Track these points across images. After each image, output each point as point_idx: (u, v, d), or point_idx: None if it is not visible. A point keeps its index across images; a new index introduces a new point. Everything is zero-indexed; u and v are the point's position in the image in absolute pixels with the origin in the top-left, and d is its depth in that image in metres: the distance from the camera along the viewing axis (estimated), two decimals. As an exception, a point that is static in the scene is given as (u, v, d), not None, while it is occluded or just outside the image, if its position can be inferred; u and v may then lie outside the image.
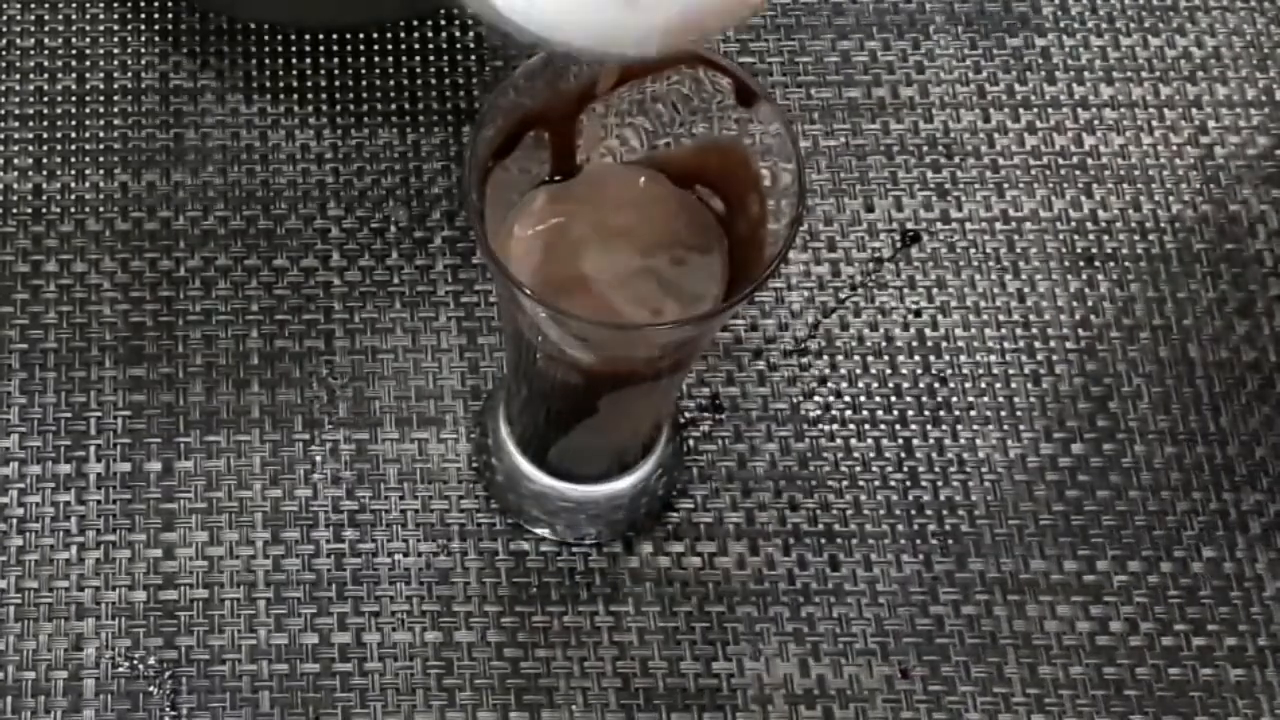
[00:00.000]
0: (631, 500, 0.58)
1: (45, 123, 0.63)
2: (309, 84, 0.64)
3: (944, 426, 0.60)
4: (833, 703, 0.56)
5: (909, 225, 0.63)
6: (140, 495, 0.58)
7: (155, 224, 0.62)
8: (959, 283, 0.62)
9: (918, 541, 0.58)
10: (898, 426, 0.60)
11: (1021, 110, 0.65)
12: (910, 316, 0.61)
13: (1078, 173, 0.64)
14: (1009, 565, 0.58)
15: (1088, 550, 0.58)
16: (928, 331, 0.61)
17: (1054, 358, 0.61)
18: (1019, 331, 0.61)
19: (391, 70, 0.64)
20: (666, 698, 0.56)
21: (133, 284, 0.61)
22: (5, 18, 0.65)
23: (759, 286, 0.48)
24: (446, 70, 0.64)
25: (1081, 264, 0.62)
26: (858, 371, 0.60)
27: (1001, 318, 0.62)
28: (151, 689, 0.55)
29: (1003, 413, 0.60)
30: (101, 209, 0.62)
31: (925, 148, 0.64)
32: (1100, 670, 0.56)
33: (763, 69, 0.65)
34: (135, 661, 0.56)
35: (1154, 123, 0.65)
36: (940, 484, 0.59)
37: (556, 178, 0.50)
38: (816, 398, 0.60)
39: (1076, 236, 0.63)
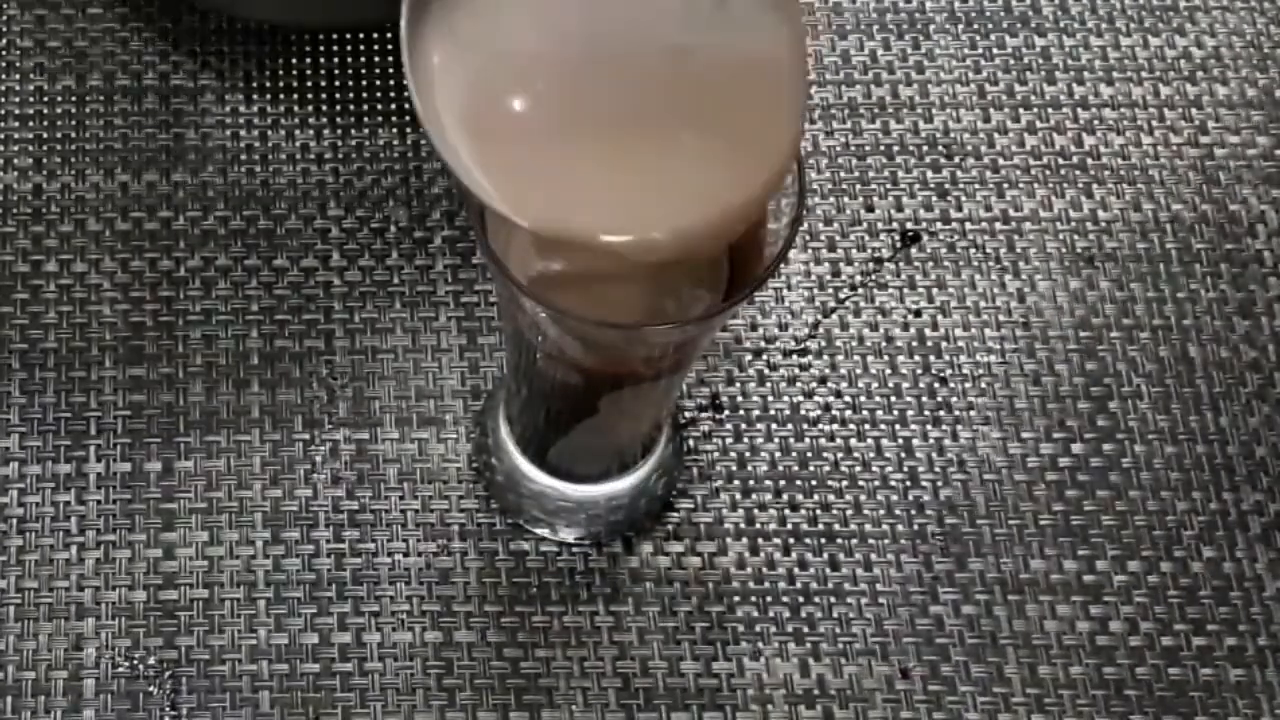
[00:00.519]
0: (631, 500, 0.58)
1: (45, 123, 0.63)
2: (309, 84, 0.64)
3: (944, 426, 0.60)
4: (833, 703, 0.56)
5: (909, 225, 0.63)
6: (140, 495, 0.58)
7: (155, 224, 0.62)
8: (959, 283, 0.62)
9: (918, 541, 0.58)
10: (898, 426, 0.60)
11: (1021, 110, 0.65)
12: (910, 316, 0.61)
13: (1078, 173, 0.64)
14: (1009, 565, 0.58)
15: (1088, 550, 0.58)
16: (928, 331, 0.61)
17: (1054, 358, 0.61)
18: (1019, 331, 0.61)
19: (391, 70, 0.64)
20: (666, 698, 0.56)
21: (133, 284, 0.61)
22: (5, 18, 0.65)
23: (759, 286, 0.47)
24: (446, 70, 0.64)
25: (1081, 264, 0.62)
26: (858, 371, 0.60)
27: (1001, 318, 0.62)
28: (151, 689, 0.55)
29: (1003, 413, 0.60)
30: (101, 209, 0.62)
31: (925, 148, 0.64)
32: (1100, 670, 0.56)
33: (763, 69, 0.65)
34: (135, 661, 0.56)
35: (1154, 123, 0.65)
36: (940, 484, 0.59)
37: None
38: (816, 398, 0.60)
39: (1076, 236, 0.63)
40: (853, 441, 0.59)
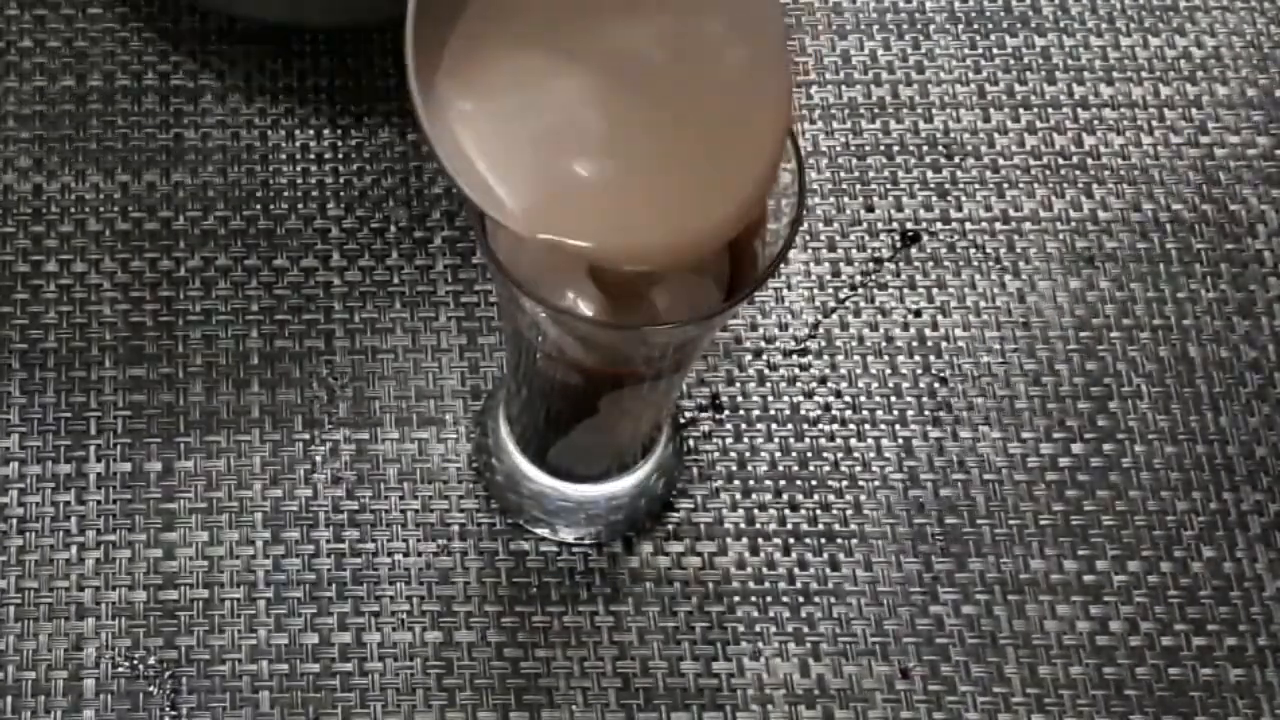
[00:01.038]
0: (631, 500, 0.58)
1: (45, 123, 0.63)
2: (309, 84, 0.64)
3: (944, 426, 0.60)
4: (833, 703, 0.56)
5: (909, 225, 0.63)
6: (140, 495, 0.58)
7: (155, 224, 0.62)
8: (959, 283, 0.62)
9: (918, 541, 0.58)
10: (898, 427, 0.60)
11: (1021, 110, 0.65)
12: (910, 316, 0.61)
13: (1078, 173, 0.64)
14: (1009, 565, 0.58)
15: (1088, 550, 0.58)
16: (928, 331, 0.61)
17: (1054, 358, 0.61)
18: (1019, 331, 0.61)
19: (391, 70, 0.64)
20: (667, 697, 0.56)
21: (133, 284, 0.61)
22: (5, 18, 0.65)
23: (759, 286, 0.48)
24: (446, 70, 0.64)
25: (1081, 264, 0.62)
26: (858, 371, 0.60)
27: (1001, 318, 0.62)
28: (152, 689, 0.55)
29: (1003, 413, 0.60)
30: (101, 209, 0.62)
31: (925, 148, 0.64)
32: (1100, 670, 0.56)
33: (763, 69, 0.65)
34: (135, 661, 0.56)
35: (1154, 123, 0.65)
36: (940, 484, 0.59)
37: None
38: (816, 398, 0.60)
39: (1076, 236, 0.63)
40: (853, 441, 0.59)
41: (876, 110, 0.65)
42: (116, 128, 0.63)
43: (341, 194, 0.62)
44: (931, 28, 0.66)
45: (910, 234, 0.63)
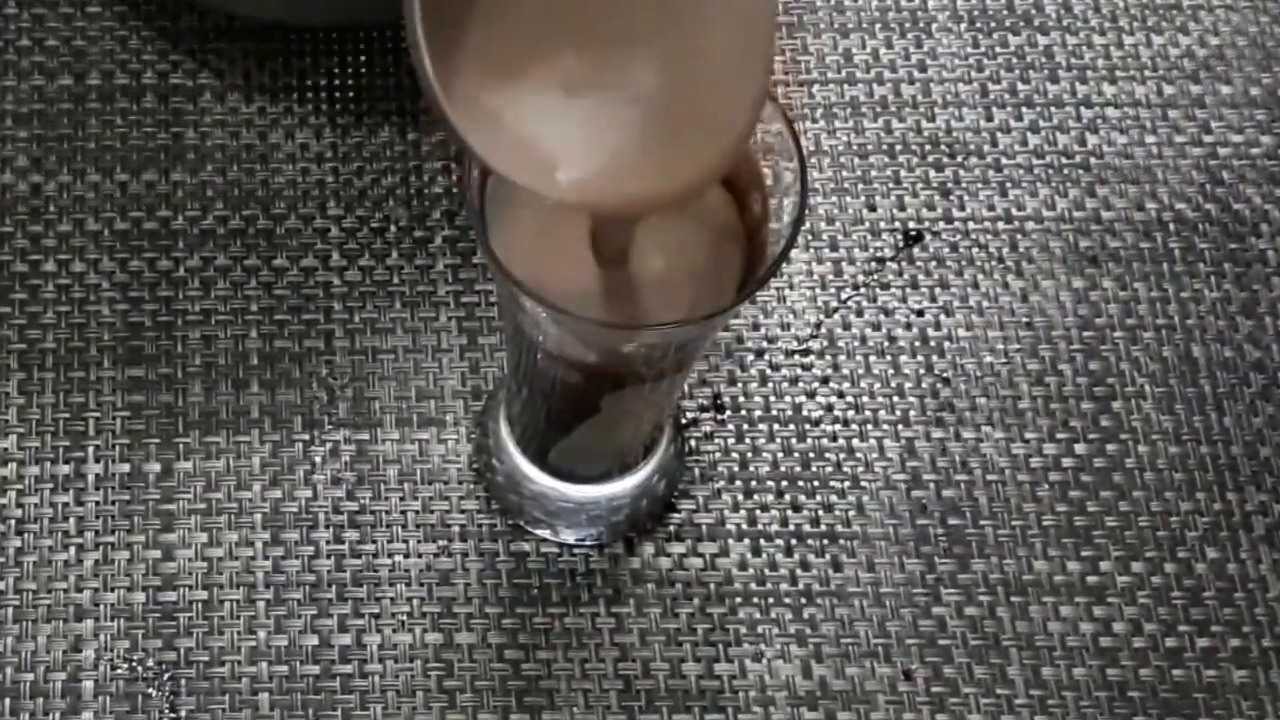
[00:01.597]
0: (633, 501, 0.58)
1: (43, 122, 0.63)
2: (309, 84, 0.64)
3: (947, 427, 0.60)
4: (835, 704, 0.56)
5: (911, 225, 0.63)
6: (139, 496, 0.58)
7: (154, 224, 0.62)
8: (962, 282, 0.62)
9: (920, 543, 0.58)
10: (900, 427, 0.60)
11: (1024, 109, 0.65)
12: (913, 316, 0.61)
13: (1081, 172, 0.64)
14: (1012, 566, 0.58)
15: (1091, 551, 0.58)
16: (930, 331, 0.61)
17: (1057, 358, 0.61)
18: (1022, 331, 0.61)
19: (391, 70, 0.64)
20: (668, 699, 0.56)
21: (132, 284, 0.61)
22: (3, 17, 0.65)
23: (760, 285, 0.47)
24: (447, 69, 0.64)
25: (1085, 263, 0.62)
26: (860, 372, 0.60)
27: (1004, 318, 0.61)
28: (151, 691, 0.55)
29: (1006, 413, 0.60)
30: (100, 209, 0.62)
31: (928, 146, 0.64)
32: (1104, 671, 0.56)
33: (764, 68, 0.65)
34: (134, 663, 0.56)
35: (1157, 122, 0.65)
36: (943, 485, 0.59)
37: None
38: (819, 398, 0.60)
39: (1080, 236, 0.63)
40: (855, 442, 0.59)
41: (879, 109, 0.64)
42: (115, 127, 0.63)
43: (341, 194, 0.62)
44: (934, 26, 0.66)
45: (913, 233, 0.63)
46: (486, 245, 0.47)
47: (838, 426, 0.59)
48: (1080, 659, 0.56)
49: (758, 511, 0.58)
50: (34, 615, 0.56)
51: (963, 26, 0.66)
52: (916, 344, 0.61)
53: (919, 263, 0.62)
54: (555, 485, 0.57)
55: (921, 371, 0.60)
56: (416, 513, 0.58)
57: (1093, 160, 0.64)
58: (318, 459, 0.58)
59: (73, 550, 0.57)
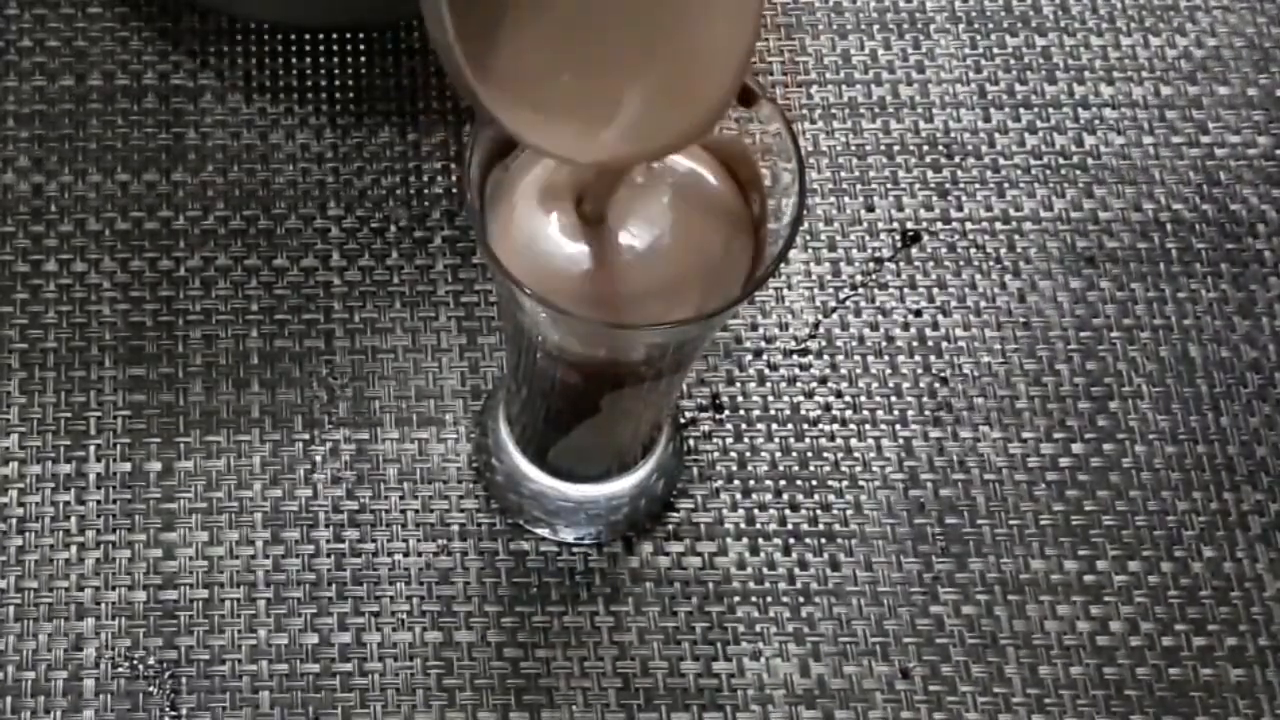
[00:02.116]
0: (632, 500, 0.58)
1: (44, 122, 0.63)
2: (309, 84, 0.64)
3: (944, 426, 0.60)
4: (833, 703, 0.56)
5: (909, 225, 0.63)
6: (140, 495, 0.58)
7: (155, 224, 0.62)
8: (959, 283, 0.62)
9: (918, 542, 0.58)
10: (898, 427, 0.60)
11: (1022, 110, 0.65)
12: (911, 316, 0.61)
13: (1078, 172, 0.64)
14: (1009, 565, 0.58)
15: (1088, 550, 0.58)
16: (928, 331, 0.61)
17: (1054, 358, 0.61)
18: (1019, 331, 0.61)
19: (391, 70, 0.64)
20: (667, 698, 0.56)
21: (133, 284, 0.61)
22: (5, 17, 0.65)
23: (759, 285, 0.47)
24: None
25: (1082, 264, 0.62)
26: (858, 371, 0.60)
27: (1002, 318, 0.61)
28: (151, 689, 0.55)
29: (1003, 413, 0.60)
30: (101, 209, 0.62)
31: (925, 147, 0.64)
32: (1101, 670, 0.56)
33: (763, 69, 0.65)
34: (135, 661, 0.56)
35: (1154, 122, 0.65)
36: (940, 484, 0.59)
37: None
38: (817, 398, 0.60)
39: (1077, 236, 0.63)
40: (853, 441, 0.59)
41: (877, 110, 0.65)
42: (116, 127, 0.63)
43: (342, 194, 0.62)
44: (932, 27, 0.66)
45: (911, 234, 0.63)
46: (486, 245, 0.47)
47: (836, 426, 0.60)
48: (1077, 657, 0.57)
49: (756, 510, 0.58)
50: (35, 614, 0.56)
51: (960, 27, 0.66)
52: (914, 344, 0.61)
53: (917, 263, 0.62)
54: (554, 484, 0.57)
55: (919, 371, 0.61)
56: (416, 512, 0.58)
57: (1090, 161, 0.64)
58: (318, 458, 0.59)
59: (74, 549, 0.57)
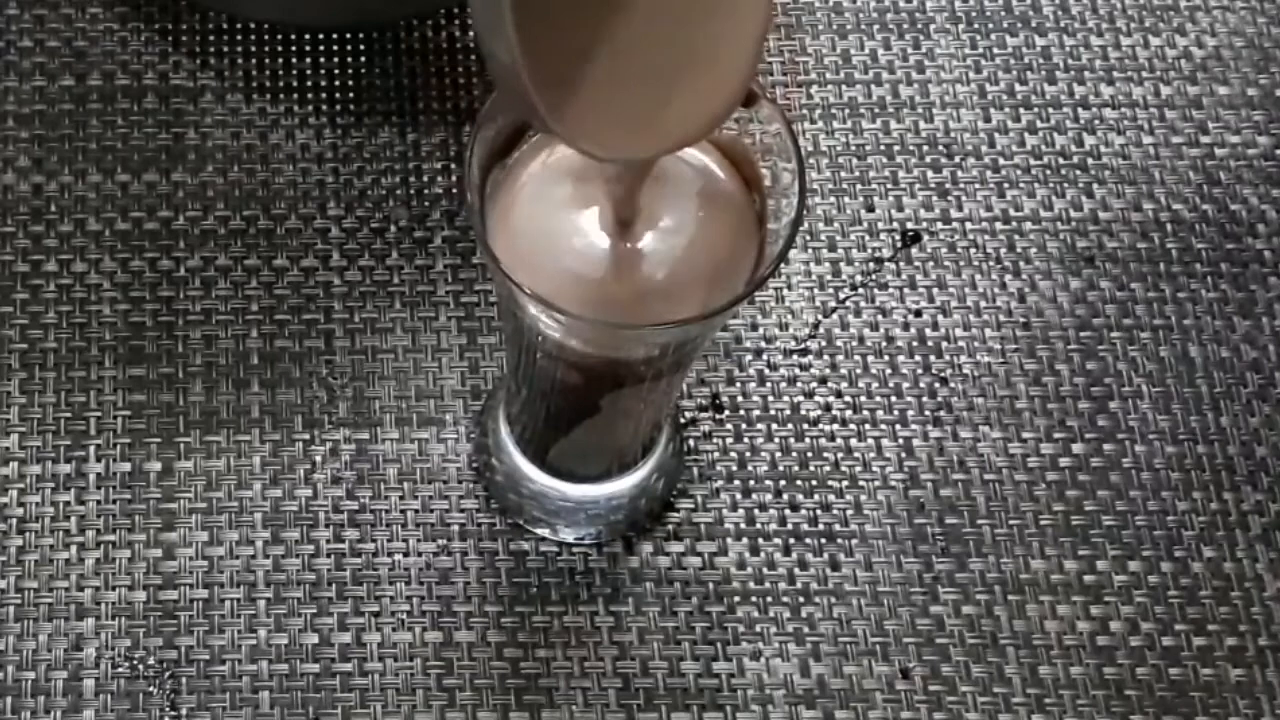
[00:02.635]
0: (632, 500, 0.58)
1: (45, 123, 0.63)
2: (309, 84, 0.64)
3: (944, 426, 0.60)
4: (833, 703, 0.56)
5: (909, 225, 0.63)
6: (140, 495, 0.58)
7: (155, 224, 0.62)
8: (959, 283, 0.62)
9: (918, 542, 0.58)
10: (898, 426, 0.60)
11: (1022, 110, 0.65)
12: (911, 316, 0.61)
13: (1078, 172, 0.64)
14: (1009, 565, 0.58)
15: (1088, 550, 0.58)
16: (928, 331, 0.61)
17: (1054, 358, 0.61)
18: (1019, 331, 0.61)
19: (391, 70, 0.64)
20: (667, 698, 0.56)
21: (133, 284, 0.61)
22: (5, 17, 0.65)
23: (759, 285, 0.47)
24: (446, 70, 0.64)
25: (1082, 264, 0.62)
26: (858, 371, 0.60)
27: (1002, 318, 0.62)
28: (151, 689, 0.55)
29: (1003, 413, 0.60)
30: (101, 209, 0.62)
31: (925, 147, 0.64)
32: (1101, 670, 0.56)
33: (763, 69, 0.65)
34: (135, 661, 0.56)
35: (1154, 122, 0.65)
36: (940, 484, 0.59)
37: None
38: (817, 398, 0.60)
39: (1077, 236, 0.63)
40: (853, 441, 0.59)
41: (877, 110, 0.65)
42: (116, 127, 0.63)
43: (341, 194, 0.62)
44: (932, 27, 0.66)
45: (911, 234, 0.63)
46: (486, 245, 0.47)
47: (836, 426, 0.60)
48: (1077, 657, 0.57)
49: (756, 510, 0.58)
50: (35, 614, 0.56)
51: (960, 28, 0.66)
52: (914, 344, 0.61)
53: (917, 263, 0.62)
54: (554, 484, 0.57)
55: (919, 371, 0.61)
56: (416, 512, 0.58)
57: (1090, 161, 0.64)
58: (318, 458, 0.59)
59: (74, 549, 0.57)
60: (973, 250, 0.62)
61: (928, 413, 0.60)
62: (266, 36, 0.65)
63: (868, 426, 0.60)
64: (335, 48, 0.65)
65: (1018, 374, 0.61)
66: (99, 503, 0.58)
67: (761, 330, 0.61)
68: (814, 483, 0.59)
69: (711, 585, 0.57)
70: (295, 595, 0.57)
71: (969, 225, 0.63)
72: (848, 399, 0.60)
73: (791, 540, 0.58)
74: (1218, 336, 0.61)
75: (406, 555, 0.57)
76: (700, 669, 0.56)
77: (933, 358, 0.61)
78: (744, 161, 0.49)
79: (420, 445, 0.59)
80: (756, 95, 0.48)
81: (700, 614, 0.57)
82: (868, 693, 0.56)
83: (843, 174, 0.63)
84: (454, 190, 0.62)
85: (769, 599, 0.57)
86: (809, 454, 0.59)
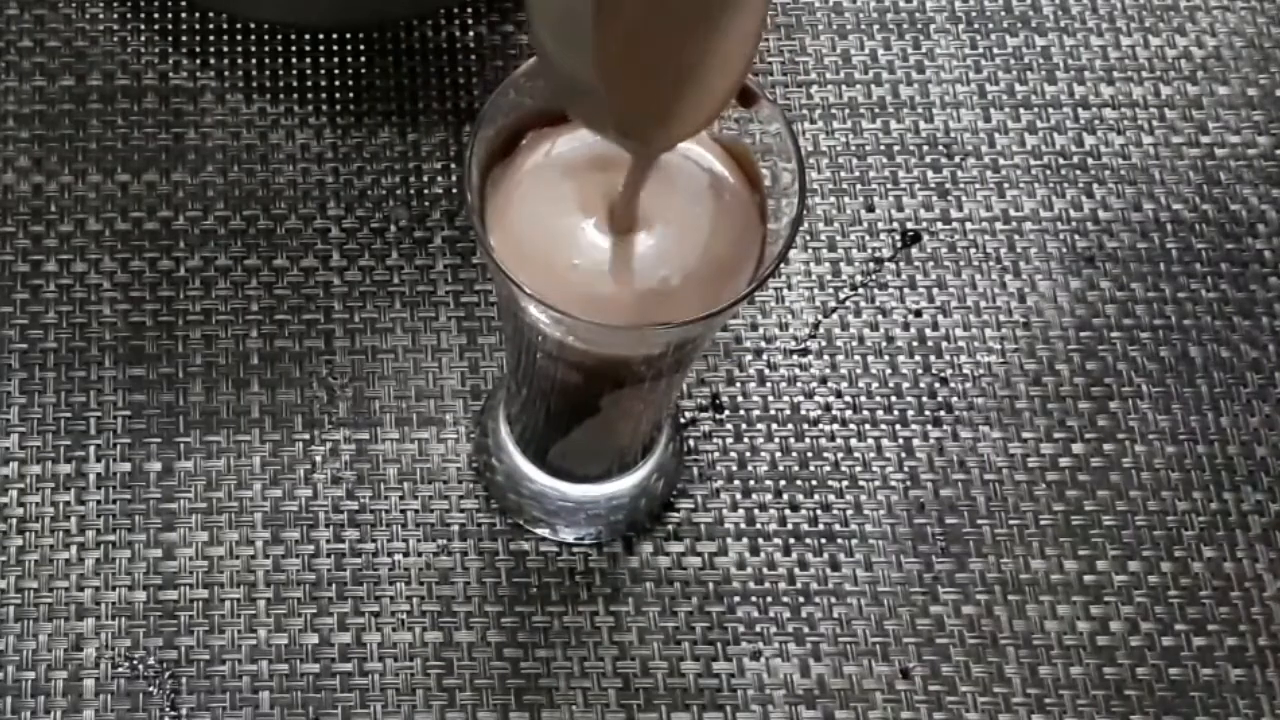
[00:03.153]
0: (632, 500, 0.58)
1: (45, 123, 0.63)
2: (309, 84, 0.64)
3: (944, 426, 0.60)
4: (833, 703, 0.56)
5: (909, 225, 0.63)
6: (140, 495, 0.58)
7: (155, 224, 0.62)
8: (959, 283, 0.62)
9: (918, 542, 0.58)
10: (898, 427, 0.60)
11: (1022, 110, 0.65)
12: (911, 316, 0.61)
13: (1078, 172, 0.64)
14: (1009, 565, 0.58)
15: (1088, 550, 0.58)
16: (928, 331, 0.61)
17: (1054, 357, 0.61)
18: (1019, 331, 0.61)
19: (391, 70, 0.64)
20: (667, 698, 0.56)
21: (133, 284, 0.61)
22: (5, 17, 0.65)
23: (759, 285, 0.47)
24: (446, 70, 0.64)
25: (1082, 264, 0.62)
26: (858, 371, 0.60)
27: (1002, 318, 0.62)
28: (151, 689, 0.55)
29: (1003, 413, 0.60)
30: (101, 209, 0.62)
31: (925, 147, 0.64)
32: (1101, 670, 0.56)
33: (763, 69, 0.65)
34: (135, 661, 0.56)
35: (1154, 122, 0.65)
36: (940, 484, 0.59)
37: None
38: (817, 398, 0.60)
39: (1077, 236, 0.63)
40: (853, 442, 0.59)
41: (877, 110, 0.65)
42: (116, 128, 0.63)
43: (341, 194, 0.62)
44: (932, 27, 0.66)
45: (911, 234, 0.63)
46: (486, 245, 0.47)
47: (836, 426, 0.60)
48: (1077, 657, 0.57)
49: (756, 511, 0.58)
50: (35, 614, 0.56)
51: (960, 28, 0.66)
52: (914, 344, 0.61)
53: (917, 263, 0.62)
54: (554, 484, 0.57)
55: (919, 371, 0.61)
56: (416, 512, 0.58)
57: (1090, 161, 0.64)
58: (318, 458, 0.59)
59: (74, 549, 0.57)
60: (973, 250, 0.62)
61: (928, 413, 0.60)
62: (266, 36, 0.65)
63: (868, 426, 0.60)
64: (335, 48, 0.65)
65: (1018, 374, 0.61)
66: (99, 503, 0.58)
67: (761, 330, 0.61)
68: (814, 483, 0.59)
69: (711, 585, 0.57)
70: (295, 595, 0.57)
71: (969, 225, 0.63)
72: (848, 399, 0.60)
73: (791, 540, 0.58)
74: (1218, 336, 0.61)
75: (406, 555, 0.57)
76: (700, 669, 0.56)
77: (933, 358, 0.61)
78: (746, 160, 0.49)
79: (420, 445, 0.59)
80: (757, 95, 0.48)
81: (700, 614, 0.57)
82: (868, 693, 0.56)
83: (843, 174, 0.63)
84: (454, 190, 0.62)
85: (769, 599, 0.57)
86: (809, 454, 0.59)
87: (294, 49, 0.65)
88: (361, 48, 0.65)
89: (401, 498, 0.58)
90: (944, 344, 0.61)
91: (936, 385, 0.60)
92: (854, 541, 0.58)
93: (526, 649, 0.56)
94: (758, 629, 0.57)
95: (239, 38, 0.65)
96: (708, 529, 0.58)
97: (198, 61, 0.64)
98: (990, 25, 0.66)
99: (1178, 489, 0.59)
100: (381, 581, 0.57)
